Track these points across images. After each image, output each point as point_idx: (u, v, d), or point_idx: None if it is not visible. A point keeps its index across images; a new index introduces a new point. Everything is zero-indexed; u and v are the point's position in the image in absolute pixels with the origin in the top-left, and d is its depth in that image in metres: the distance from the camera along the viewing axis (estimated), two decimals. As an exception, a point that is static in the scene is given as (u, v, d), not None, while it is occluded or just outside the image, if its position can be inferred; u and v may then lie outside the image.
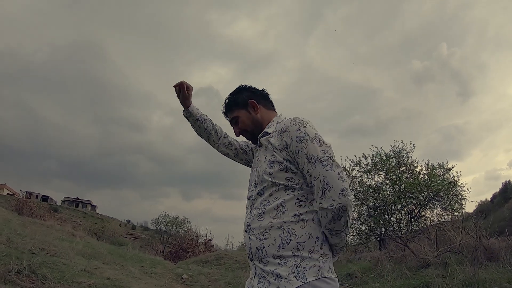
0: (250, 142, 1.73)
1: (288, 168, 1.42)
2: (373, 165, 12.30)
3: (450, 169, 11.62)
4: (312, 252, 1.33)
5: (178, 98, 1.82)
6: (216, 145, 1.90)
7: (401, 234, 10.44)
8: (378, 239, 11.80)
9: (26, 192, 21.53)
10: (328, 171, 1.32)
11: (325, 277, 1.30)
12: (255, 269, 1.40)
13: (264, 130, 1.57)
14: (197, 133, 1.92)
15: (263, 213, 1.41)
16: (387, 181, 12.00)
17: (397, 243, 8.46)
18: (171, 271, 9.67)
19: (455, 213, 10.89)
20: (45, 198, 58.37)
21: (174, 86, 1.79)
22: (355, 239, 12.43)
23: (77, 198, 67.86)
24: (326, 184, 1.31)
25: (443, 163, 11.83)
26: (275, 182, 1.42)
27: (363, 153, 12.55)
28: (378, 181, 12.32)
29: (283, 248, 1.33)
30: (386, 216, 11.80)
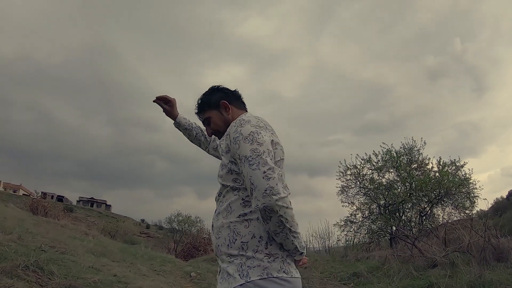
0: None
1: (232, 170, 1.46)
2: (384, 163, 12.24)
3: (462, 166, 11.50)
4: (256, 251, 1.35)
5: (164, 112, 1.99)
6: (206, 149, 2.05)
7: (412, 232, 10.39)
8: (389, 238, 11.75)
9: (42, 192, 22.10)
10: (253, 170, 1.32)
11: (274, 277, 1.32)
12: (219, 265, 1.48)
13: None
14: (189, 140, 2.08)
15: (219, 213, 1.49)
16: (398, 179, 11.94)
17: (405, 242, 8.44)
18: (181, 269, 9.83)
19: (467, 211, 10.78)
20: (60, 198, 59.22)
21: (153, 101, 1.97)
22: (366, 238, 12.42)
23: (92, 198, 69.01)
24: (252, 183, 1.31)
25: (455, 160, 11.71)
26: (224, 184, 1.49)
27: (374, 151, 12.49)
28: (389, 179, 12.26)
29: (231, 247, 1.39)
30: (397, 214, 11.74)
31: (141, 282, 5.74)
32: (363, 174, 12.58)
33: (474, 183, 11.26)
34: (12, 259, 4.20)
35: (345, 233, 12.68)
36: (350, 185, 13.01)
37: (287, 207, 1.30)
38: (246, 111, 1.70)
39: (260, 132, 1.42)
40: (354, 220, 12.72)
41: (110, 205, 71.83)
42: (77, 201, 67.50)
